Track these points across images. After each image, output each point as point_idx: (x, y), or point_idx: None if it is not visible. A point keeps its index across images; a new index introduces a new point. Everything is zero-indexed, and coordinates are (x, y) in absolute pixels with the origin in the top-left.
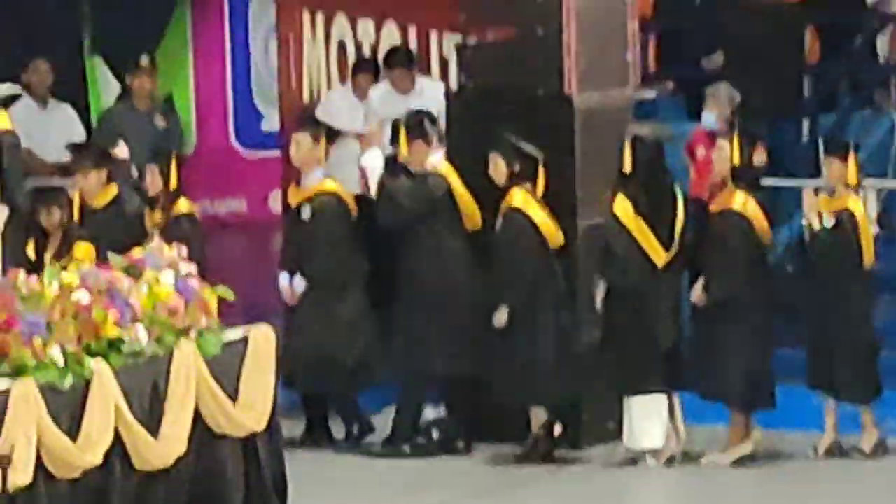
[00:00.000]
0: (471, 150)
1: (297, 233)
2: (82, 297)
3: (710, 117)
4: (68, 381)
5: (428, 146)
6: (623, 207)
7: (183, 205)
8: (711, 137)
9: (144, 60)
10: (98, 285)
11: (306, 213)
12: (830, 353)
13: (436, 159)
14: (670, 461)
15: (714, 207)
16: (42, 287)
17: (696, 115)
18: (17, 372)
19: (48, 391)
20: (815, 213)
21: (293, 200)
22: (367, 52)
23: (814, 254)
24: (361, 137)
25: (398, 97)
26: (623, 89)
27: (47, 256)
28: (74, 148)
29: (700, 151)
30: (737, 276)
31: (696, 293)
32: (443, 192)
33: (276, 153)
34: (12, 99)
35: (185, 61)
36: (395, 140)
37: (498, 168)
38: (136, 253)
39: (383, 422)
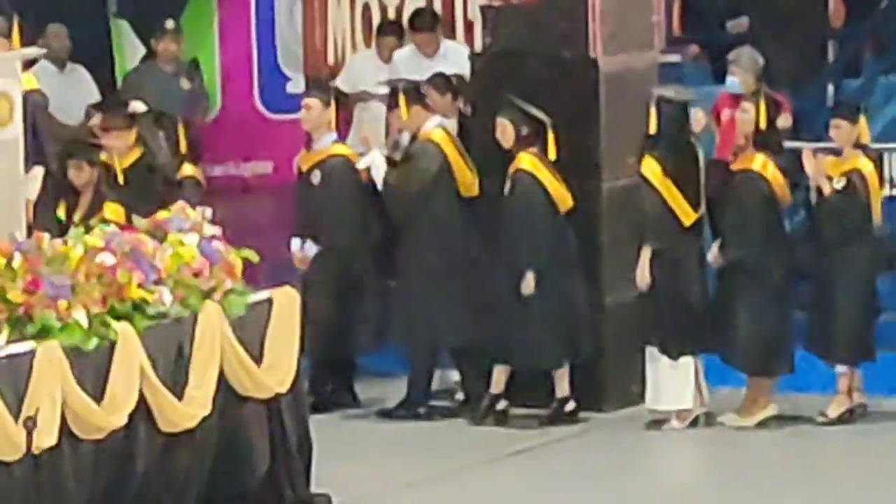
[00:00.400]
0: (495, 114)
1: (307, 197)
2: (107, 259)
3: (734, 81)
4: (93, 344)
5: (425, 111)
6: (651, 168)
7: (186, 168)
8: (736, 100)
9: (170, 24)
10: (122, 247)
11: (317, 177)
12: (829, 316)
13: (431, 125)
14: (693, 423)
15: (734, 167)
16: (66, 249)
17: (721, 79)
18: (42, 334)
19: (73, 353)
20: (823, 175)
21: (303, 165)
22: (391, 14)
23: (821, 216)
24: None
25: (423, 60)
26: (648, 52)
27: (77, 217)
28: (105, 107)
29: (725, 114)
30: (753, 238)
31: (713, 254)
32: (439, 163)
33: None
34: (33, 62)
35: (210, 24)
36: (394, 104)
37: (506, 132)
38: (161, 215)
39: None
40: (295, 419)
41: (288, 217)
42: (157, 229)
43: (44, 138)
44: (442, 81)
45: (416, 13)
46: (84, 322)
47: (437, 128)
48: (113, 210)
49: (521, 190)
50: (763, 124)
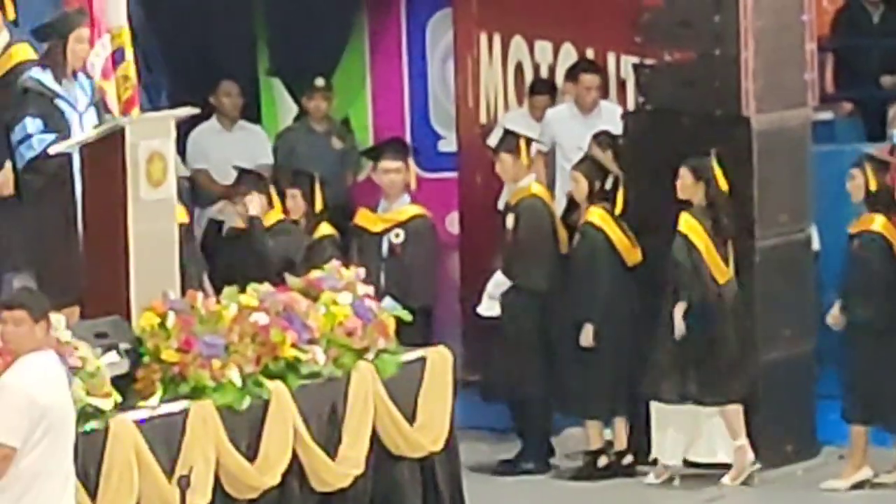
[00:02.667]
0: (648, 172)
1: (381, 256)
2: (260, 318)
3: None
4: (246, 403)
5: (515, 160)
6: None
7: (325, 228)
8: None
9: (319, 82)
10: (276, 307)
11: (399, 237)
12: None
13: (528, 181)
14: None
15: (852, 230)
16: (220, 308)
17: (875, 136)
18: (196, 394)
19: (226, 412)
20: None
21: (372, 225)
22: (544, 73)
23: None
24: None
25: (578, 118)
26: (801, 110)
27: None
28: (242, 173)
29: None
30: (876, 297)
31: (833, 315)
32: (544, 216)
33: (453, 174)
34: (200, 119)
35: (362, 83)
36: (503, 150)
37: (579, 185)
38: (314, 274)
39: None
40: (448, 478)
41: (440, 274)
42: (311, 288)
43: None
44: (606, 138)
45: (575, 63)
46: (238, 381)
47: (536, 183)
48: None
49: (587, 243)
50: (876, 186)
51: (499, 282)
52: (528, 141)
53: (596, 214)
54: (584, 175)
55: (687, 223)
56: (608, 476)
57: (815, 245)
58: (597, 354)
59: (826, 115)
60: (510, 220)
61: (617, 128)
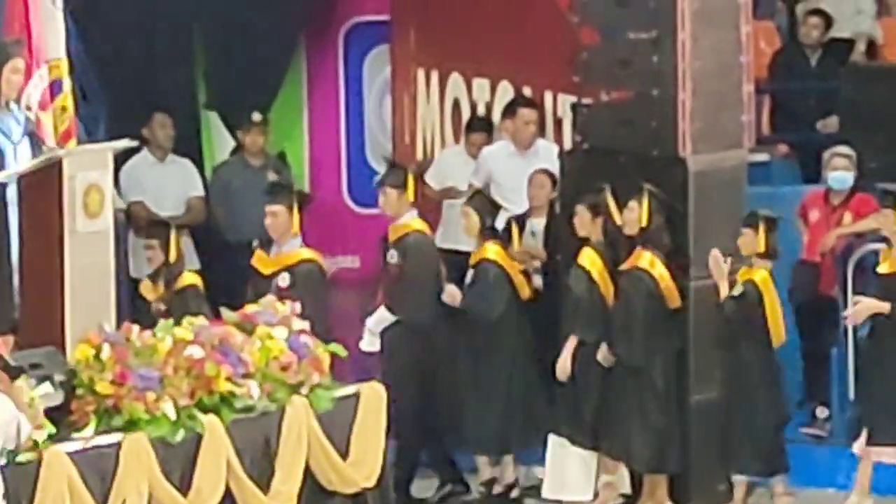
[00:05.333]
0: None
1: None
2: (195, 352)
3: (847, 177)
4: (180, 436)
5: (401, 195)
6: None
7: (187, 278)
8: (826, 200)
9: (256, 116)
10: (211, 340)
11: (285, 280)
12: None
13: (409, 217)
14: None
15: (623, 267)
16: (155, 341)
17: (810, 178)
18: (130, 426)
19: (160, 445)
20: (724, 279)
21: (264, 268)
22: (481, 110)
23: (727, 322)
24: None
25: (515, 155)
26: (737, 151)
27: None
28: None
29: (813, 214)
30: (638, 336)
31: (602, 353)
32: (430, 251)
33: None
34: (133, 152)
35: (299, 117)
36: (386, 184)
37: (470, 221)
38: (250, 308)
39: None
40: None
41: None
42: (246, 322)
43: None
44: (546, 176)
45: (513, 98)
46: (172, 414)
47: (416, 219)
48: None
49: (484, 280)
50: (645, 222)
51: (382, 318)
52: (416, 176)
53: (492, 251)
54: (475, 210)
55: (589, 258)
56: None
57: None
58: (489, 389)
59: (762, 157)
60: (394, 256)
61: (553, 166)
